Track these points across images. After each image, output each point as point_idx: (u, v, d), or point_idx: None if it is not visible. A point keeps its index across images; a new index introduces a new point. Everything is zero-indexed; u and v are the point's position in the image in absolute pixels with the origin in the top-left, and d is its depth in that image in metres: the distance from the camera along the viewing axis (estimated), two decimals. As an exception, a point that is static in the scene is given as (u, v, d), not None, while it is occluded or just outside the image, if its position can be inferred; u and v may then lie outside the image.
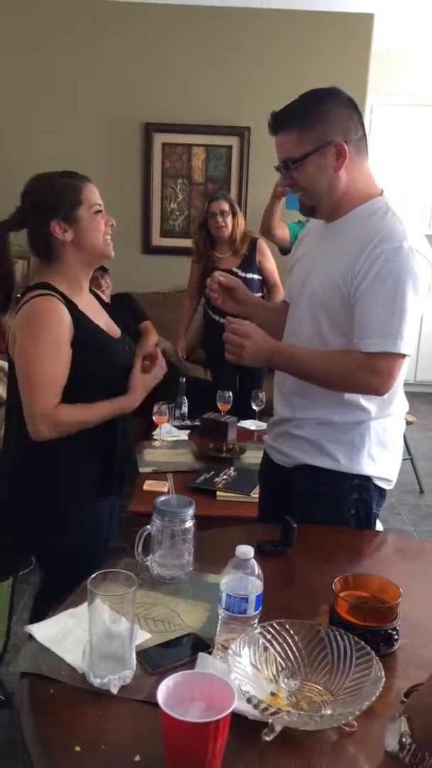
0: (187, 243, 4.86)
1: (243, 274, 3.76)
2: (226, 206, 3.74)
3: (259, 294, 3.78)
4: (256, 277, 3.82)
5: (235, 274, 3.72)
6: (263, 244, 3.84)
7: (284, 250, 3.72)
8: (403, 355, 1.58)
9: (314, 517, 1.68)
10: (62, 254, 1.70)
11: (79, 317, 1.69)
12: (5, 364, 3.55)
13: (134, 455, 1.99)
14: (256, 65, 4.67)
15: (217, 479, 2.61)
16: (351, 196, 1.63)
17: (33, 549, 1.87)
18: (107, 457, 1.80)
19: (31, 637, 1.24)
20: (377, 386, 1.60)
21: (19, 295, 1.75)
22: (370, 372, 1.58)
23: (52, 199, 1.68)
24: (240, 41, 4.66)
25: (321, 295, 1.65)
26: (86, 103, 4.73)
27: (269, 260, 3.87)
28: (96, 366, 1.72)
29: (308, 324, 1.70)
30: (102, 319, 1.82)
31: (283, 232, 3.72)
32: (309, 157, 1.58)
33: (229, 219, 3.75)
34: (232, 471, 2.71)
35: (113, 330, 1.85)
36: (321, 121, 1.57)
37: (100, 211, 1.72)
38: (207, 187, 4.83)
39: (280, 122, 1.60)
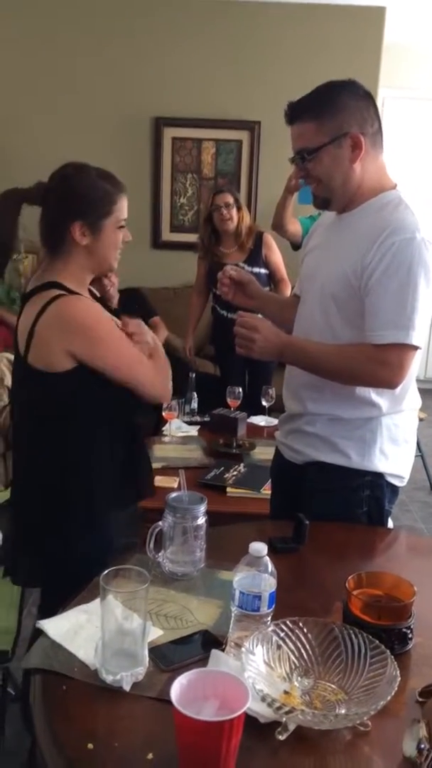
0: (196, 238, 4.85)
1: (249, 269, 3.74)
2: (230, 199, 3.72)
3: (266, 288, 3.77)
4: (262, 271, 3.80)
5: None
6: (269, 238, 3.82)
7: (296, 246, 3.69)
8: (415, 347, 1.57)
9: (326, 514, 1.67)
10: (71, 253, 1.64)
11: None
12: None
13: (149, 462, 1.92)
14: (267, 59, 4.65)
15: (227, 475, 2.60)
16: (364, 188, 1.63)
17: (48, 555, 1.73)
18: (127, 466, 1.75)
19: (42, 632, 1.24)
20: (388, 379, 1.59)
21: (26, 291, 1.68)
22: (381, 364, 1.57)
23: (85, 200, 1.61)
24: (250, 35, 4.63)
25: (331, 288, 1.65)
26: (96, 97, 4.72)
27: (276, 254, 3.85)
28: None
29: (318, 316, 1.69)
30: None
31: (295, 227, 3.70)
32: (325, 147, 1.57)
33: (234, 212, 3.72)
34: (242, 467, 2.70)
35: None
36: (338, 112, 1.57)
37: (124, 227, 1.68)
38: (217, 181, 4.81)
39: (297, 112, 1.60)
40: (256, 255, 3.80)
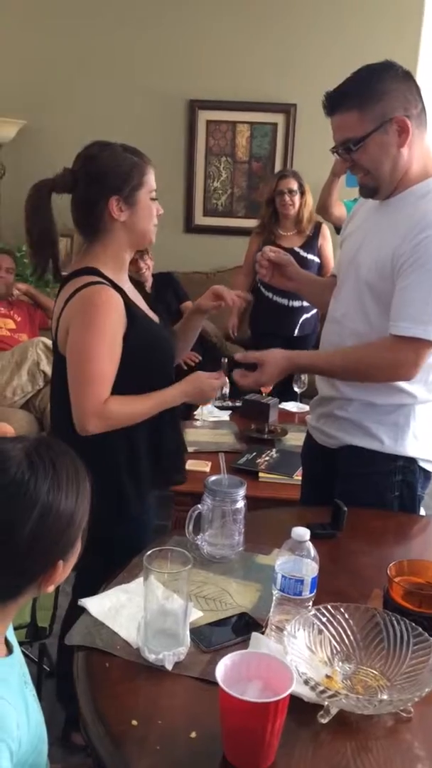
0: (229, 222, 4.85)
1: (304, 254, 3.71)
2: (294, 185, 3.68)
3: None
4: (316, 259, 3.77)
5: (296, 254, 3.69)
6: (326, 229, 3.78)
7: (339, 230, 3.66)
8: (431, 343, 1.55)
9: (357, 498, 1.66)
10: (111, 233, 1.64)
11: (131, 307, 1.63)
12: (48, 342, 3.56)
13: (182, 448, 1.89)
14: (303, 40, 4.57)
15: (259, 460, 2.61)
16: (410, 173, 1.60)
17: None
18: (158, 447, 1.74)
19: (83, 611, 1.25)
20: (402, 372, 1.58)
21: (64, 274, 1.69)
22: (396, 354, 1.56)
23: (117, 174, 1.60)
24: (286, 16, 4.56)
25: (367, 274, 1.63)
26: (131, 80, 4.69)
27: (329, 246, 3.82)
28: (148, 357, 1.67)
29: (354, 302, 1.68)
30: (142, 304, 1.76)
31: (340, 211, 3.65)
32: (371, 136, 1.53)
33: (297, 198, 3.69)
34: (274, 452, 2.70)
35: (152, 314, 1.79)
36: (381, 97, 1.52)
37: (156, 198, 1.67)
38: (251, 165, 4.77)
39: (337, 102, 1.55)
40: (312, 242, 3.76)
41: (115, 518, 1.66)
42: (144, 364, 1.64)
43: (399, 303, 1.55)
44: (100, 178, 1.60)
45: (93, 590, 1.32)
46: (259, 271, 1.90)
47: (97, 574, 1.39)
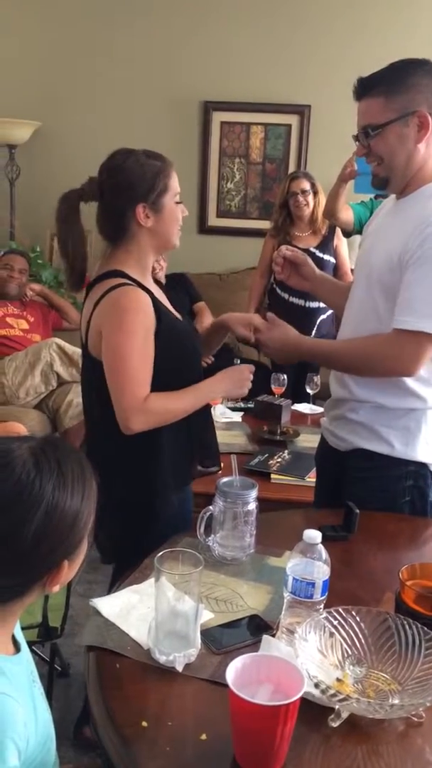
0: (243, 224, 4.85)
1: (320, 255, 3.70)
2: (307, 185, 3.68)
3: None
4: (332, 260, 3.76)
5: (312, 254, 3.69)
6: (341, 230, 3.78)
7: (347, 233, 3.65)
8: None
9: (368, 502, 1.65)
10: (135, 237, 1.65)
11: (159, 307, 1.65)
12: (65, 344, 3.58)
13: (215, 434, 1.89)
14: (317, 42, 4.56)
15: (271, 461, 2.60)
16: (425, 171, 1.61)
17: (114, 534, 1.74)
18: (191, 443, 1.75)
19: (95, 611, 1.26)
20: (401, 365, 1.58)
21: (91, 281, 1.70)
22: (398, 347, 1.57)
23: (143, 181, 1.61)
24: (301, 18, 4.55)
25: (378, 272, 1.64)
26: (145, 81, 4.70)
27: (345, 246, 3.81)
28: (178, 354, 1.68)
29: (366, 300, 1.68)
30: (167, 303, 1.78)
31: (347, 215, 3.65)
32: (391, 124, 1.55)
33: (310, 198, 3.68)
34: (286, 454, 2.69)
35: (176, 313, 1.80)
36: (409, 89, 1.54)
37: (180, 201, 1.68)
38: (265, 166, 4.76)
39: (367, 86, 1.57)
40: (328, 242, 3.76)
41: (145, 514, 1.67)
42: (174, 360, 1.65)
43: (404, 297, 1.56)
44: (127, 187, 1.62)
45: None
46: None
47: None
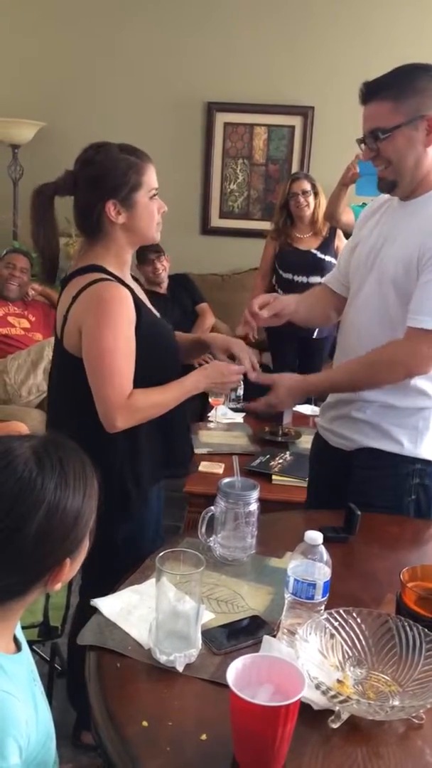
0: (245, 224, 4.85)
1: (322, 256, 3.71)
2: (308, 186, 3.69)
3: None
4: (333, 261, 3.76)
5: (314, 256, 3.69)
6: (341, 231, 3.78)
7: (348, 235, 3.65)
8: None
9: (373, 501, 1.66)
10: (110, 234, 1.63)
11: (138, 303, 1.63)
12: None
13: (190, 438, 1.88)
14: (321, 43, 4.56)
15: (272, 463, 2.60)
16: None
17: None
18: (166, 440, 1.74)
19: (96, 610, 1.26)
20: (417, 363, 1.59)
21: (66, 275, 1.69)
22: (413, 346, 1.57)
23: (113, 177, 1.59)
24: (305, 19, 4.55)
25: (393, 274, 1.64)
26: (149, 81, 4.71)
27: None
28: (157, 350, 1.68)
29: (376, 303, 1.68)
30: (144, 299, 1.76)
31: (348, 217, 3.65)
32: (400, 128, 1.55)
33: (311, 199, 3.69)
34: (287, 455, 2.69)
35: (154, 310, 1.78)
36: (417, 93, 1.54)
37: (156, 195, 1.65)
38: (268, 167, 4.76)
39: (374, 90, 1.57)
40: (329, 243, 3.76)
41: (117, 516, 1.65)
42: (153, 356, 1.65)
43: (420, 297, 1.57)
44: (97, 182, 1.59)
45: (98, 590, 1.32)
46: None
47: (102, 575, 1.39)
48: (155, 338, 1.67)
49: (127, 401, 1.55)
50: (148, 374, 1.62)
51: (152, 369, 1.64)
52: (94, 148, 1.62)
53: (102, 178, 1.59)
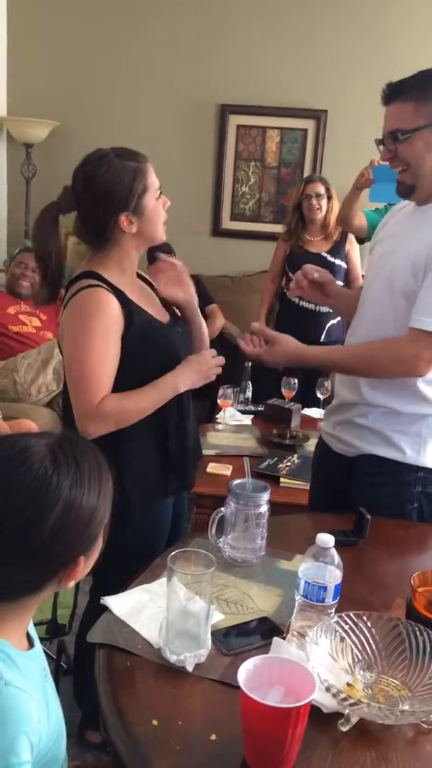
0: (257, 227, 4.84)
1: (332, 259, 3.70)
2: (321, 189, 3.69)
3: (341, 284, 3.71)
4: (343, 265, 3.76)
5: (324, 259, 3.69)
6: (353, 235, 3.78)
7: (361, 240, 3.65)
8: None
9: (375, 508, 1.64)
10: (119, 242, 1.63)
11: (130, 308, 1.61)
12: None
13: (199, 448, 1.87)
14: (335, 47, 4.56)
15: (280, 465, 2.60)
16: None
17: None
18: (167, 454, 1.72)
19: (106, 609, 1.26)
20: (415, 365, 1.59)
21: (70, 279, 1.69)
22: (413, 347, 1.57)
23: (120, 191, 1.56)
24: (318, 22, 4.55)
25: (402, 277, 1.64)
26: (162, 82, 4.72)
27: (357, 252, 3.81)
28: (153, 357, 1.66)
29: (383, 302, 1.68)
30: (152, 304, 1.74)
31: (360, 221, 3.65)
32: (421, 130, 1.55)
33: (324, 202, 3.69)
34: (295, 458, 2.69)
35: (162, 315, 1.76)
36: None
37: (161, 193, 1.64)
38: (280, 170, 4.77)
39: (398, 91, 1.57)
40: (340, 247, 3.76)
41: (119, 523, 1.65)
42: (149, 362, 1.64)
43: (423, 298, 1.57)
44: (106, 199, 1.58)
45: (109, 591, 1.31)
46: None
47: (115, 576, 1.38)
48: (149, 339, 1.65)
49: (95, 409, 1.56)
50: (142, 379, 1.62)
51: (148, 370, 1.64)
52: (92, 163, 1.59)
53: (110, 194, 1.57)
